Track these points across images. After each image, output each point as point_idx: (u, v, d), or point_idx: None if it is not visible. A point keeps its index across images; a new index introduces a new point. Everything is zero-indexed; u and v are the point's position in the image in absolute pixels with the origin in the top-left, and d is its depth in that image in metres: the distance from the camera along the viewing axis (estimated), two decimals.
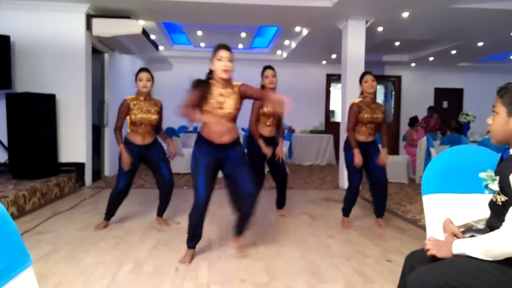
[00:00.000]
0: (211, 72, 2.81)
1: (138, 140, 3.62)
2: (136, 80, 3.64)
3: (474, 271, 1.33)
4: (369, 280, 2.61)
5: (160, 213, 3.91)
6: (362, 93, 3.83)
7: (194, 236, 2.95)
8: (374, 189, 3.91)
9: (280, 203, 4.32)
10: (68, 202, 4.75)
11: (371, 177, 3.86)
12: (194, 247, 2.97)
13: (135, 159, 3.61)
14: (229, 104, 2.77)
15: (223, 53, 2.72)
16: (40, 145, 5.07)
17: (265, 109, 3.87)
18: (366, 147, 3.77)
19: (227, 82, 2.79)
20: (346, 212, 3.93)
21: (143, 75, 3.62)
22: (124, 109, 3.56)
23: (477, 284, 1.31)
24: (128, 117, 3.60)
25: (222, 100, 2.75)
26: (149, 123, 3.61)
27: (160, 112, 3.71)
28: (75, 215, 4.17)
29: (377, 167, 3.79)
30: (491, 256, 1.32)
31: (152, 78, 3.67)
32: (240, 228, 3.04)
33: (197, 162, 2.79)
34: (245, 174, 2.85)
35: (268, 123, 3.97)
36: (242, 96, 2.83)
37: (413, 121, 7.52)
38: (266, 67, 4.01)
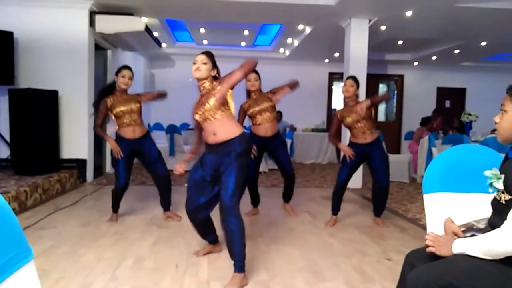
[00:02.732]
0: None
1: (128, 133, 3.66)
2: (117, 75, 3.67)
3: (474, 270, 1.33)
4: (369, 278, 2.62)
5: (167, 207, 3.93)
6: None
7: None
8: (374, 190, 3.92)
9: (286, 197, 4.34)
10: (69, 198, 4.77)
11: (374, 179, 3.88)
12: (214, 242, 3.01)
13: (128, 154, 3.67)
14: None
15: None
16: (42, 141, 5.09)
17: (248, 112, 3.96)
18: (367, 149, 3.76)
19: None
20: (333, 210, 3.95)
21: (126, 72, 3.67)
22: (102, 108, 3.64)
23: (477, 283, 1.31)
24: (112, 115, 3.67)
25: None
26: (131, 111, 3.64)
27: (141, 98, 3.76)
28: (76, 211, 4.18)
29: (379, 170, 3.79)
30: (492, 255, 1.32)
31: (133, 77, 3.74)
32: None
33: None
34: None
35: (258, 122, 3.96)
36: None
37: (426, 122, 7.53)
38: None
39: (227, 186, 2.50)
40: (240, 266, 2.46)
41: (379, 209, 3.95)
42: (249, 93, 4.05)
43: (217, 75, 2.70)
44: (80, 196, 4.87)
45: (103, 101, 3.64)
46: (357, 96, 3.83)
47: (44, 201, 4.52)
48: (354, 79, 3.80)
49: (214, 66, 2.68)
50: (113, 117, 3.69)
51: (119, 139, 3.69)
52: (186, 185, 2.73)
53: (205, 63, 2.62)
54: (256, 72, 3.96)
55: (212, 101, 2.57)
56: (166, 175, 3.84)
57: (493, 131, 6.45)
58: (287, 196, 4.35)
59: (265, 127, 3.94)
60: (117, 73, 3.69)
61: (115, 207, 3.85)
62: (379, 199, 3.91)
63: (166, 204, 3.95)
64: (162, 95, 3.90)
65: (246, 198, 4.13)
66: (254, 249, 3.14)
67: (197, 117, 2.65)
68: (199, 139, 2.85)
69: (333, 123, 3.97)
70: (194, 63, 2.63)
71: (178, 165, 2.82)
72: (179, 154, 7.12)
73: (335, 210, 3.95)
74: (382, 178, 3.79)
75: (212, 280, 2.54)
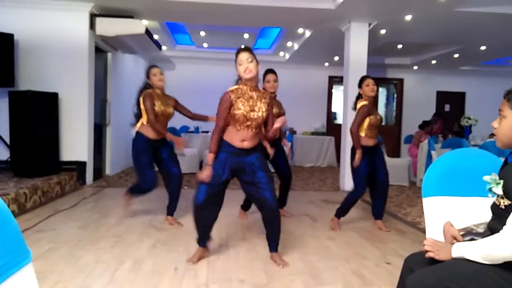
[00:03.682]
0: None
1: (153, 134, 3.63)
2: (148, 76, 3.67)
3: (473, 274, 1.32)
4: (368, 282, 2.61)
5: (171, 212, 3.90)
6: (361, 96, 3.82)
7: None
8: (374, 191, 3.91)
9: (281, 203, 4.32)
10: (69, 200, 4.76)
11: (374, 178, 3.86)
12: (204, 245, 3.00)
13: (148, 154, 3.66)
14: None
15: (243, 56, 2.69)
16: (42, 143, 5.09)
17: None
18: (374, 151, 3.78)
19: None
20: (339, 213, 3.93)
21: (157, 70, 3.69)
22: (149, 99, 3.57)
23: (476, 287, 1.31)
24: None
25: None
26: (169, 116, 3.70)
27: (176, 107, 3.78)
28: (76, 214, 4.17)
29: (381, 169, 3.80)
30: (491, 260, 1.32)
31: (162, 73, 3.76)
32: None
33: None
34: None
35: None
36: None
37: (424, 125, 7.54)
38: (268, 71, 3.97)
39: (265, 188, 2.74)
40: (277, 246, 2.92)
41: (379, 212, 3.94)
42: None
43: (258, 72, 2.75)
44: (79, 198, 4.86)
45: (148, 93, 3.58)
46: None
47: (44, 203, 4.51)
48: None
49: (257, 60, 2.73)
50: (144, 113, 3.61)
51: (138, 137, 3.64)
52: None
53: (251, 61, 2.67)
54: (275, 73, 3.96)
55: (264, 115, 2.73)
56: (178, 174, 3.84)
57: (492, 135, 6.46)
58: (283, 201, 4.31)
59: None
60: (147, 75, 3.67)
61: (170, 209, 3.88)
62: (379, 200, 3.89)
63: (171, 210, 3.90)
64: (201, 118, 3.87)
65: (238, 201, 4.14)
66: (253, 252, 3.13)
67: (250, 115, 2.67)
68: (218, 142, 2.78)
69: (362, 115, 3.69)
70: (240, 64, 2.67)
71: (205, 174, 2.72)
72: (178, 157, 7.10)
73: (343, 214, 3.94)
74: (385, 177, 3.81)
75: (211, 283, 2.53)
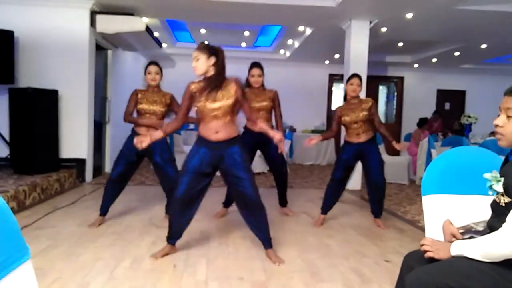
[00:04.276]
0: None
1: (143, 131, 3.58)
2: (145, 73, 3.68)
3: (472, 272, 1.32)
4: (367, 280, 2.61)
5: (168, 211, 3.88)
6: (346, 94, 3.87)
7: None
8: (370, 189, 3.92)
9: (282, 201, 4.32)
10: (68, 197, 4.76)
11: (368, 178, 3.88)
12: (173, 243, 3.01)
13: (137, 151, 3.60)
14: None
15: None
16: (42, 141, 5.08)
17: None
18: (360, 147, 3.77)
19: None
20: (322, 208, 3.96)
21: (152, 68, 3.67)
22: (133, 97, 3.63)
23: (475, 285, 1.31)
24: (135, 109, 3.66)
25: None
26: (153, 113, 3.63)
27: (171, 104, 3.72)
28: (75, 211, 4.18)
29: (374, 170, 3.79)
30: (490, 258, 1.32)
31: (161, 71, 3.72)
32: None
33: None
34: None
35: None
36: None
37: (422, 122, 7.49)
38: (253, 65, 3.94)
39: (245, 182, 2.79)
40: (270, 242, 2.94)
41: (377, 210, 3.94)
42: (248, 83, 3.92)
43: (217, 63, 2.76)
44: (79, 195, 4.86)
45: (134, 91, 3.65)
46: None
47: (43, 201, 4.51)
48: (360, 78, 3.81)
49: (211, 54, 2.74)
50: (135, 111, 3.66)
51: (133, 133, 3.64)
52: None
53: (198, 59, 2.73)
54: (260, 67, 3.93)
55: (228, 102, 2.74)
56: (175, 177, 3.67)
57: (492, 133, 6.46)
58: (283, 198, 4.30)
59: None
60: (145, 72, 3.69)
61: (103, 207, 3.72)
62: (376, 199, 3.90)
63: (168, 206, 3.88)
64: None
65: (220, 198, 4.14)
66: (252, 250, 3.13)
67: (211, 105, 2.73)
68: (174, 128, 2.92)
69: (334, 120, 3.92)
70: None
71: (142, 139, 2.82)
72: (178, 154, 7.11)
73: (325, 209, 3.94)
74: (377, 177, 3.80)
75: (210, 281, 2.53)
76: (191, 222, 3.00)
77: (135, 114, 3.72)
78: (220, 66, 2.78)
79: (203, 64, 2.74)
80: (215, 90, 2.76)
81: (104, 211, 3.73)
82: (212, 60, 2.74)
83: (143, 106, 3.62)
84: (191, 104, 2.85)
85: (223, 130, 2.78)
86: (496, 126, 1.45)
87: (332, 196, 3.95)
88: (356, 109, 3.76)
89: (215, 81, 2.77)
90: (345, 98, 3.93)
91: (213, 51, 2.76)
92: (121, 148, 3.68)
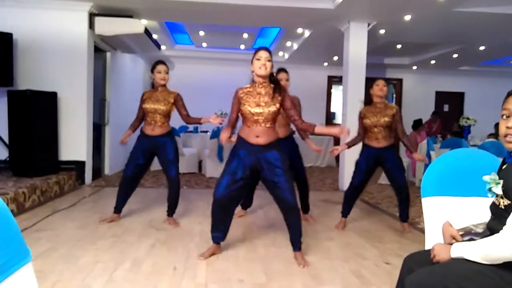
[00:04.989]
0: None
1: (148, 129, 3.72)
2: (153, 72, 3.73)
3: (472, 274, 1.33)
4: (367, 282, 2.61)
5: (170, 213, 3.90)
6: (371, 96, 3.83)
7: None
8: (396, 194, 3.92)
9: (304, 208, 4.24)
10: (67, 200, 4.75)
11: (392, 183, 3.89)
12: (218, 242, 3.08)
13: (144, 149, 3.72)
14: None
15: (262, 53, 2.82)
16: (41, 143, 5.07)
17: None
18: (380, 152, 3.75)
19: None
20: (342, 212, 3.97)
21: (161, 67, 3.73)
22: (141, 99, 3.76)
23: (475, 287, 1.31)
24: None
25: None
26: (155, 111, 3.67)
27: (175, 104, 3.75)
28: (75, 213, 4.17)
29: (395, 172, 3.79)
30: (490, 260, 1.32)
31: (168, 71, 3.79)
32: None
33: None
34: None
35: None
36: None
37: (418, 124, 7.46)
38: (280, 70, 3.99)
39: (284, 187, 2.84)
40: (300, 245, 2.99)
41: (402, 213, 3.90)
42: None
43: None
44: (78, 198, 4.86)
45: (142, 95, 3.79)
46: (386, 97, 3.84)
47: (42, 203, 4.51)
48: (384, 80, 3.81)
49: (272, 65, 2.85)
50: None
51: (141, 133, 3.78)
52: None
53: (269, 60, 2.80)
54: (287, 72, 3.99)
55: (272, 108, 2.80)
56: (174, 178, 3.78)
57: (491, 135, 6.46)
58: (305, 205, 4.24)
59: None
60: (152, 70, 3.74)
61: (117, 206, 3.89)
62: (401, 200, 3.87)
63: (170, 210, 3.90)
64: (195, 121, 3.81)
65: None
66: (252, 252, 3.13)
67: (253, 110, 2.80)
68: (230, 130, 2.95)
69: (359, 124, 3.89)
70: (258, 59, 2.79)
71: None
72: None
73: (345, 212, 3.96)
74: (399, 179, 3.79)
75: (210, 283, 2.53)
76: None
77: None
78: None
79: (270, 68, 2.82)
80: (266, 95, 2.85)
81: (118, 209, 3.92)
82: (273, 69, 2.88)
83: (146, 105, 3.69)
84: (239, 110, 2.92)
85: (264, 135, 2.84)
86: (510, 129, 1.40)
87: (350, 201, 3.96)
88: (379, 113, 3.74)
89: (269, 87, 2.88)
90: (370, 102, 3.86)
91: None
92: (131, 151, 3.80)
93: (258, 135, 2.83)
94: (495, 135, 6.21)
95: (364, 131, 3.83)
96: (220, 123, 3.65)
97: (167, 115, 3.74)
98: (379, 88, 3.74)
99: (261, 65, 2.78)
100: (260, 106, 2.81)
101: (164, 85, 3.75)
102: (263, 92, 2.85)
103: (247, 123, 2.85)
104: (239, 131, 2.95)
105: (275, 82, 2.89)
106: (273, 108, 2.82)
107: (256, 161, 2.85)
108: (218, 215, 2.98)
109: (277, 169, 2.83)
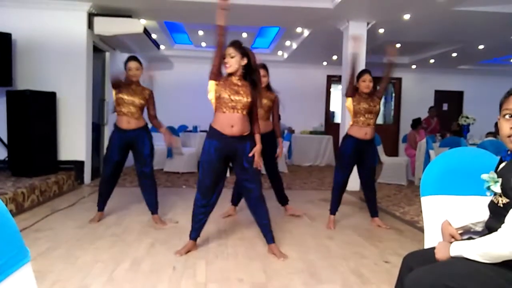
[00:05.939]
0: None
1: (123, 123, 3.65)
2: (125, 68, 3.67)
3: (472, 273, 1.33)
4: (366, 281, 2.62)
5: (154, 209, 3.85)
6: (357, 90, 3.80)
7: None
8: (368, 193, 3.96)
9: (283, 200, 4.30)
10: (66, 200, 4.75)
11: (361, 178, 3.92)
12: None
13: (120, 145, 3.66)
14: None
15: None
16: (40, 143, 5.07)
17: None
18: (364, 146, 3.75)
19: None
20: (331, 210, 3.96)
21: (132, 64, 3.65)
22: (116, 82, 3.65)
23: (474, 286, 1.31)
24: (114, 98, 3.67)
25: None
26: (131, 103, 3.62)
27: (148, 100, 3.73)
28: (74, 213, 4.17)
29: (369, 170, 3.83)
30: (489, 258, 1.32)
31: (141, 67, 3.70)
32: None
33: None
34: None
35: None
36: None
37: (416, 123, 7.45)
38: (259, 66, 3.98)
39: (252, 177, 2.93)
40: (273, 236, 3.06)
41: (375, 210, 3.98)
42: None
43: (249, 64, 2.87)
44: (77, 198, 4.86)
45: (119, 79, 3.67)
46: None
47: (41, 203, 4.51)
48: (370, 73, 3.77)
49: (244, 55, 2.86)
50: (114, 100, 3.69)
51: (115, 129, 3.71)
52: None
53: (233, 57, 2.83)
54: (265, 67, 3.95)
55: (247, 98, 2.83)
56: (150, 175, 3.76)
57: (489, 133, 6.47)
58: (282, 197, 4.31)
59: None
60: (124, 66, 3.69)
61: (100, 204, 3.88)
62: (373, 199, 3.94)
63: (152, 206, 3.84)
64: (157, 126, 3.81)
65: (225, 198, 4.14)
66: (251, 251, 3.14)
67: (227, 95, 2.82)
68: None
69: (350, 85, 3.79)
70: (224, 58, 2.83)
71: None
72: (176, 156, 7.12)
73: (334, 209, 3.95)
74: (369, 177, 3.85)
75: (210, 282, 2.53)
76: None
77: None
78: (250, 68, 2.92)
79: (236, 63, 2.84)
80: (243, 86, 2.89)
81: (102, 207, 3.92)
82: (244, 61, 2.88)
83: (122, 95, 3.62)
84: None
85: (239, 125, 2.86)
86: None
87: (339, 197, 3.96)
88: (371, 101, 3.74)
89: (244, 81, 2.91)
90: (354, 94, 3.83)
91: (246, 52, 2.88)
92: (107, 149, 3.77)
93: (233, 124, 2.83)
94: (494, 133, 6.22)
95: (353, 116, 3.78)
96: (170, 144, 3.72)
97: (142, 109, 3.71)
98: (365, 85, 3.73)
99: (224, 63, 2.83)
100: (239, 94, 2.83)
101: (137, 82, 3.70)
102: (240, 84, 2.88)
103: (223, 108, 2.83)
104: (211, 122, 2.92)
105: (252, 81, 2.88)
106: (250, 99, 2.84)
107: (229, 151, 2.90)
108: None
109: (249, 158, 2.91)
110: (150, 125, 3.87)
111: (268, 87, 4.02)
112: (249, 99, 2.85)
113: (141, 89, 3.73)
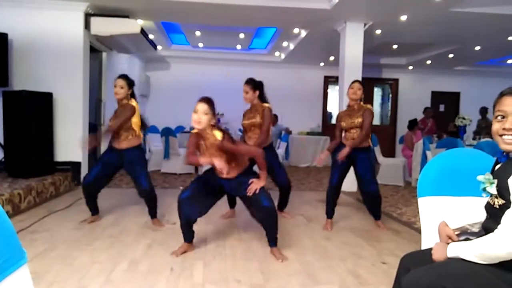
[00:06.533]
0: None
1: (114, 142, 3.70)
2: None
3: (468, 274, 1.33)
4: (364, 281, 2.62)
5: (152, 215, 3.88)
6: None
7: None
8: (364, 199, 3.96)
9: (281, 205, 4.29)
10: (63, 201, 4.74)
11: (361, 187, 3.90)
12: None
13: (105, 159, 3.71)
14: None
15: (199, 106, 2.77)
16: (36, 144, 5.05)
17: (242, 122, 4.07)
18: (353, 154, 3.75)
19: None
20: (327, 213, 3.97)
21: (117, 81, 3.69)
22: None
23: (471, 287, 1.32)
24: None
25: None
26: (114, 126, 3.59)
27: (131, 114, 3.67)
28: (70, 214, 4.15)
29: (363, 177, 3.80)
30: (486, 259, 1.33)
31: (127, 85, 3.69)
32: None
33: None
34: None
35: (248, 136, 4.02)
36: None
37: (413, 124, 7.46)
38: (245, 82, 3.98)
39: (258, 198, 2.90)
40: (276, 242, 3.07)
41: (376, 214, 3.97)
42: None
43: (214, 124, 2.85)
44: (74, 199, 4.84)
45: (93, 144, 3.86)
46: (361, 99, 3.85)
47: (38, 204, 4.49)
48: (361, 82, 3.85)
49: (214, 114, 2.82)
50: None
51: (108, 146, 3.78)
52: (181, 188, 2.80)
53: (206, 114, 2.74)
54: (249, 83, 3.95)
55: (213, 151, 2.83)
56: (147, 189, 3.74)
57: (475, 134, 6.48)
58: (282, 204, 4.30)
59: (254, 142, 3.93)
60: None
61: (91, 209, 3.90)
62: (371, 206, 3.94)
63: (150, 214, 3.88)
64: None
65: (224, 199, 4.14)
66: (249, 252, 3.13)
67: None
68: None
69: (336, 126, 3.98)
70: (195, 112, 2.72)
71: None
72: (174, 157, 7.11)
73: (330, 213, 3.95)
74: (367, 185, 3.79)
75: (207, 283, 2.53)
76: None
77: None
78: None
79: (206, 121, 2.76)
80: (209, 143, 2.88)
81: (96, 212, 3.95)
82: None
83: (112, 122, 3.67)
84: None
85: (229, 171, 2.87)
86: (508, 130, 1.39)
87: (333, 201, 3.96)
88: (353, 115, 3.79)
89: (209, 136, 2.85)
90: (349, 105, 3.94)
91: (213, 111, 2.83)
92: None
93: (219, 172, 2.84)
94: (478, 132, 6.24)
95: (341, 133, 3.93)
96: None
97: (129, 129, 3.65)
98: (353, 92, 3.81)
99: (194, 121, 2.73)
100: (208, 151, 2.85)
101: (122, 99, 3.67)
102: (208, 144, 2.83)
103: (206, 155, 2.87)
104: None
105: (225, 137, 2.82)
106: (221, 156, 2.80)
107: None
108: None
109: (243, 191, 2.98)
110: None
111: (261, 98, 3.99)
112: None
113: (123, 107, 3.68)
